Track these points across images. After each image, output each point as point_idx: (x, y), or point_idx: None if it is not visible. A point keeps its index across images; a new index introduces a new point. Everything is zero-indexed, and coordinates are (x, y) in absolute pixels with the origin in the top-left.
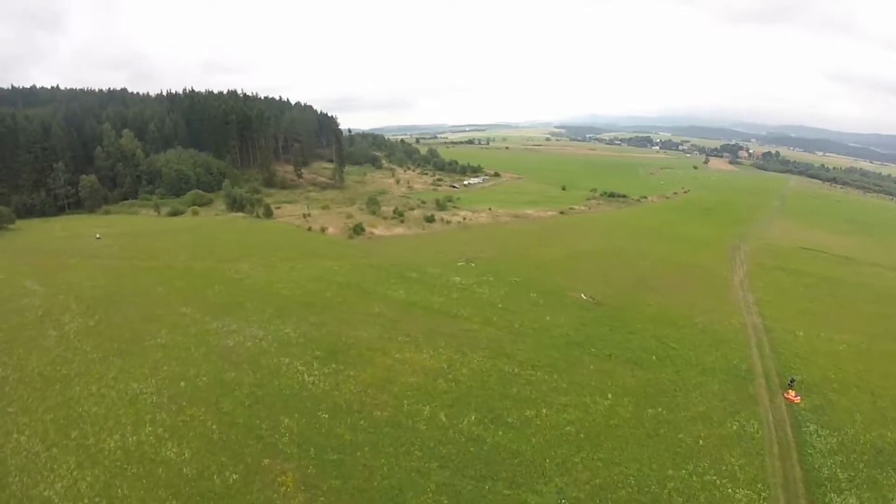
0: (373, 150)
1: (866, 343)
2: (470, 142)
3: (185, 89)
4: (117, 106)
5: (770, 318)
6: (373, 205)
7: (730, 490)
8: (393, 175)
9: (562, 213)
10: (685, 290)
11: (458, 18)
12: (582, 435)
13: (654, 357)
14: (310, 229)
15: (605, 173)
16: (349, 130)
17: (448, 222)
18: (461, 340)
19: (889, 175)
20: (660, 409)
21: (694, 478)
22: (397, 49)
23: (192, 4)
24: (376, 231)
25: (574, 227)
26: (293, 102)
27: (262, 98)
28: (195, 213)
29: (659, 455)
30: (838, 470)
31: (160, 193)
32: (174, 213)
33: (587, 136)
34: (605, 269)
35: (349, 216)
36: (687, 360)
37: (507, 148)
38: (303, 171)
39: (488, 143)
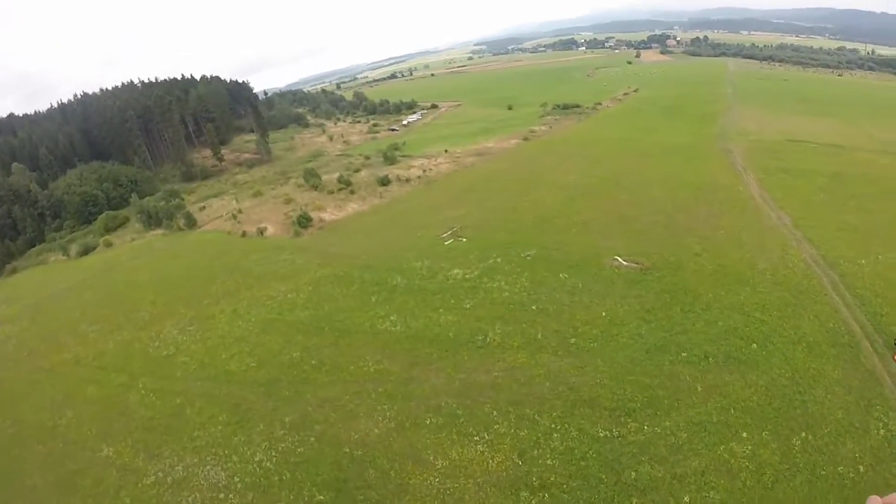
0: (295, 107)
1: None
2: (393, 76)
3: (75, 95)
4: (3, 136)
5: (821, 244)
6: (311, 177)
7: None
8: (324, 131)
9: (525, 139)
10: (720, 222)
11: None
12: None
13: (753, 345)
14: (244, 234)
15: (542, 84)
16: (265, 93)
17: (407, 180)
18: (515, 396)
19: (820, 48)
20: (804, 435)
21: None
22: None
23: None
24: (326, 215)
25: (548, 155)
26: (198, 77)
27: (162, 81)
28: (108, 244)
29: None
30: None
31: (69, 226)
32: (85, 251)
33: (509, 47)
34: (618, 211)
35: (288, 200)
36: (785, 336)
37: (432, 75)
38: (223, 151)
39: (412, 74)
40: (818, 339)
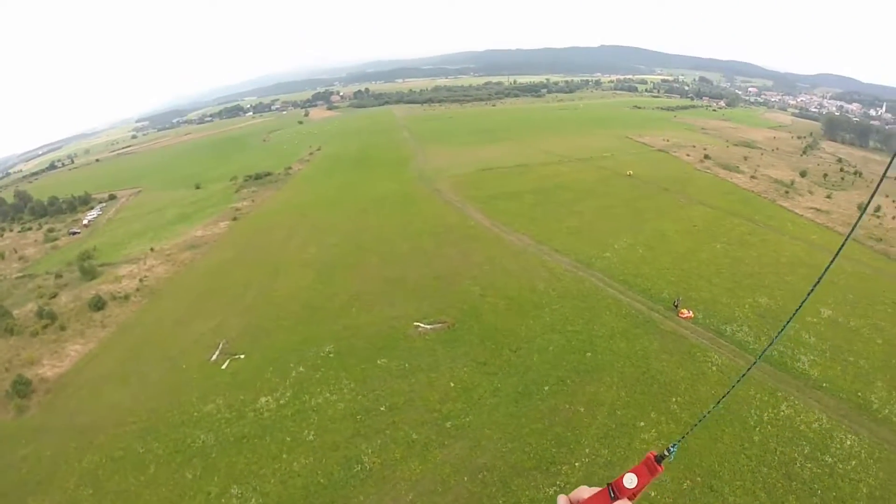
0: None
1: (637, 239)
2: (52, 166)
3: None
4: None
5: (567, 251)
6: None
7: None
8: None
9: (234, 219)
10: (476, 259)
11: None
12: None
13: (588, 354)
14: None
15: (222, 155)
16: None
17: (125, 297)
18: None
19: (470, 85)
20: (663, 393)
21: None
22: None
23: None
24: (46, 370)
25: (269, 232)
26: None
27: None
28: None
29: None
30: None
31: None
32: None
33: (174, 120)
34: (379, 275)
35: None
36: (600, 335)
37: (97, 160)
38: None
39: (73, 162)
40: (624, 325)
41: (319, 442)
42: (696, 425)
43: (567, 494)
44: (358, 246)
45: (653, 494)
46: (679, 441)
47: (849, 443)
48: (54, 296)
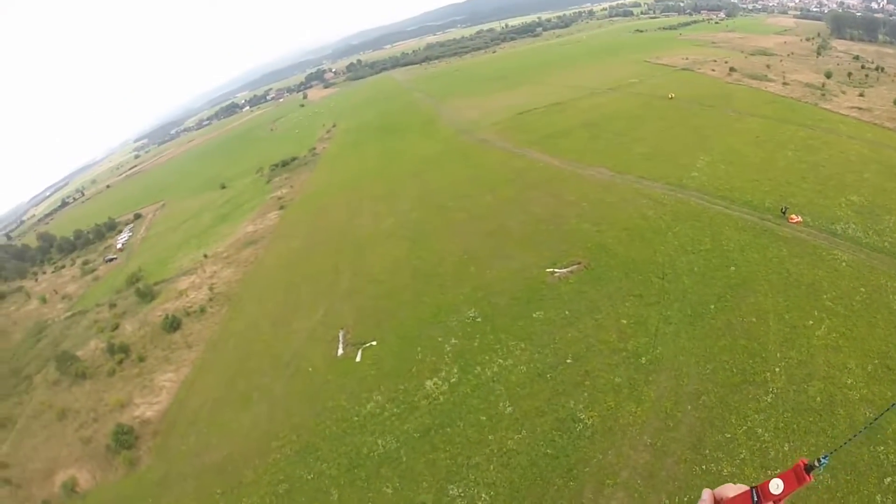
0: None
1: (712, 156)
2: (63, 203)
3: None
4: None
5: (655, 175)
6: (68, 362)
7: None
8: (28, 296)
9: (281, 207)
10: (572, 198)
11: None
12: None
13: (731, 268)
14: None
15: (234, 152)
16: None
17: (201, 310)
18: None
19: (462, 37)
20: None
21: None
22: None
23: None
24: (144, 410)
25: (330, 212)
26: None
27: None
28: None
29: None
30: None
31: None
32: None
33: (172, 132)
34: (485, 230)
35: (62, 413)
36: (728, 248)
37: (108, 187)
38: None
39: (83, 195)
40: (747, 238)
41: (521, 412)
42: (849, 440)
43: (713, 489)
44: (437, 206)
45: None
46: (831, 453)
47: None
48: (116, 327)
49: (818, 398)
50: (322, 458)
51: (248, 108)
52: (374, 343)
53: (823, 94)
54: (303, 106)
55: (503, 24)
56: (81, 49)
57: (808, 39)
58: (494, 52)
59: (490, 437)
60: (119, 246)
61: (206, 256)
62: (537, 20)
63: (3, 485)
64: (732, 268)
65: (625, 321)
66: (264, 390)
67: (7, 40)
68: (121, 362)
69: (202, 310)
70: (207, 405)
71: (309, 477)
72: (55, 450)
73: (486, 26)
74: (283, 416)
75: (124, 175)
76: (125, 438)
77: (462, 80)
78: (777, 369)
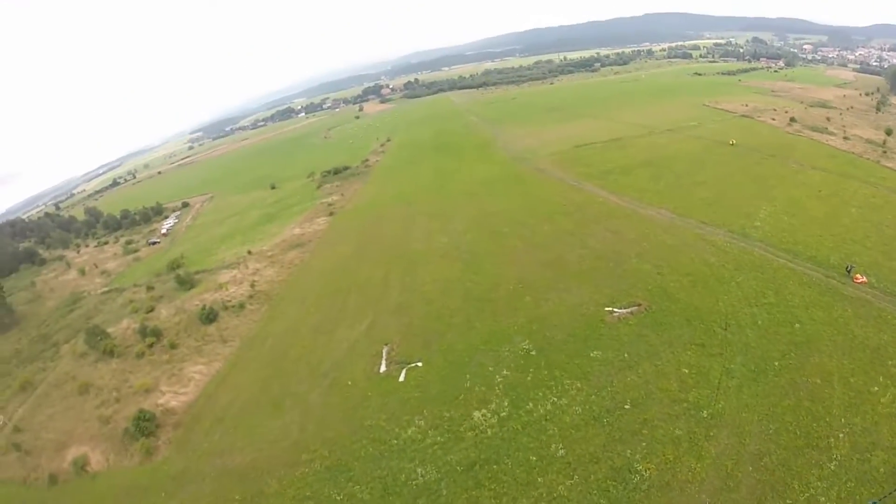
0: (17, 242)
1: (775, 207)
2: (115, 183)
3: None
4: None
5: (715, 222)
6: (97, 337)
7: None
8: (69, 265)
9: (330, 213)
10: (632, 237)
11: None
12: None
13: (796, 324)
14: (52, 479)
15: (288, 155)
16: None
17: (240, 305)
18: None
19: (520, 66)
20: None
21: None
22: None
23: None
24: (169, 399)
25: (381, 224)
26: None
27: None
28: None
29: None
30: None
31: None
32: None
33: (227, 128)
34: (538, 259)
35: (84, 388)
36: (796, 300)
37: (159, 173)
38: None
39: (135, 177)
40: (811, 294)
41: (573, 456)
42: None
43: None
44: (492, 231)
45: None
46: (881, 499)
47: None
48: (151, 310)
49: (881, 469)
50: (354, 480)
51: (303, 114)
52: (419, 364)
53: (885, 152)
54: (358, 118)
55: (562, 57)
56: (154, 43)
57: (867, 94)
58: (552, 83)
59: (539, 479)
60: (164, 231)
61: (249, 253)
62: (596, 55)
63: (13, 450)
64: (797, 325)
65: (686, 370)
66: (298, 398)
67: (105, 30)
68: (151, 346)
69: (241, 305)
70: (236, 405)
71: (338, 497)
72: (71, 424)
73: (544, 57)
74: (316, 429)
75: (177, 164)
76: (146, 425)
77: (519, 108)
78: (841, 435)
